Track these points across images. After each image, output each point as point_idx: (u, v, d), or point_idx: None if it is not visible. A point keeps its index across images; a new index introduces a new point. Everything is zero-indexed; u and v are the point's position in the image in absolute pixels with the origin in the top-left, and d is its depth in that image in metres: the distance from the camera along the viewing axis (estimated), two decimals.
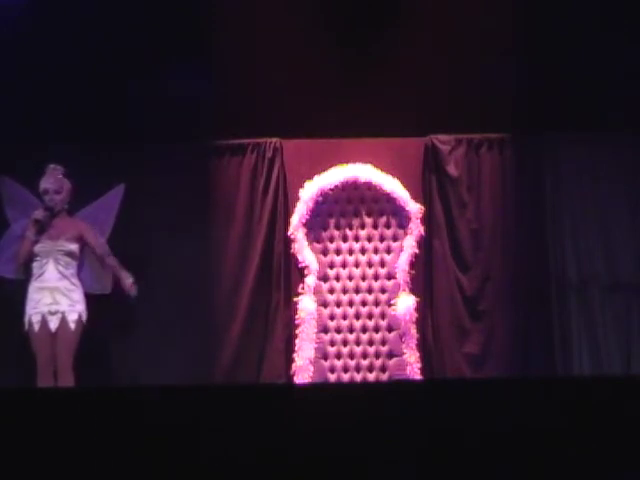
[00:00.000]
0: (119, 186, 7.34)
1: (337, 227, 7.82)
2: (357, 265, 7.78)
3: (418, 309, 7.67)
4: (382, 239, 7.80)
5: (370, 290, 7.74)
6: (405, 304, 7.64)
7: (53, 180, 6.85)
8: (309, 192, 7.73)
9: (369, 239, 7.80)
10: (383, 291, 7.73)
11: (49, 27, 7.38)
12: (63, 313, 6.66)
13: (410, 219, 7.75)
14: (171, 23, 7.44)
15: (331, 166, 7.78)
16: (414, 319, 7.65)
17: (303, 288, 7.70)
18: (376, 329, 7.70)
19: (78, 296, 6.76)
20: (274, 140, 7.81)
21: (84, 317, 6.76)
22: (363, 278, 7.76)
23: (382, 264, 7.76)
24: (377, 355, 7.67)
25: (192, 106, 7.46)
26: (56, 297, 6.67)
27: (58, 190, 6.84)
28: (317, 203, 7.76)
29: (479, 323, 7.68)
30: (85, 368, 6.90)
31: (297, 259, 7.73)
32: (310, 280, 7.69)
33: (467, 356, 7.63)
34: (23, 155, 7.41)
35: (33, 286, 6.74)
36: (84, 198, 7.29)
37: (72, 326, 6.65)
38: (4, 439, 3.25)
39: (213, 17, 7.42)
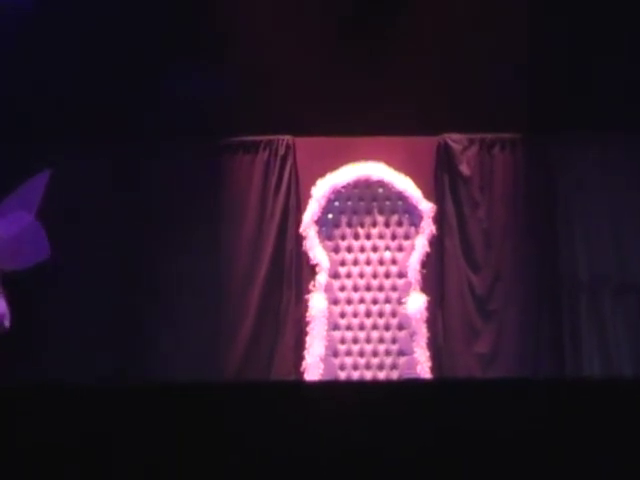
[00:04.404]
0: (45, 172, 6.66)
1: (349, 225, 7.82)
2: (368, 263, 7.78)
3: (429, 308, 7.68)
4: (394, 237, 7.80)
5: (381, 288, 7.75)
6: (416, 303, 7.65)
7: None
8: (321, 190, 7.74)
9: (381, 237, 7.80)
10: (394, 289, 7.74)
11: (53, 27, 7.36)
12: None
13: (422, 218, 7.75)
14: (182, 20, 7.45)
15: (343, 164, 7.79)
16: (425, 318, 7.65)
17: (314, 285, 7.71)
18: (387, 327, 7.71)
19: None
20: (286, 138, 7.82)
21: None
22: (374, 276, 7.76)
23: (393, 262, 7.76)
24: (387, 353, 7.68)
25: (204, 103, 7.47)
26: None
27: None
28: (329, 201, 7.77)
29: (489, 323, 7.68)
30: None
31: (308, 257, 7.73)
32: (321, 278, 7.70)
33: (477, 355, 7.63)
34: (23, 155, 7.38)
35: None
36: (90, 199, 7.33)
37: None
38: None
39: (224, 14, 7.43)
